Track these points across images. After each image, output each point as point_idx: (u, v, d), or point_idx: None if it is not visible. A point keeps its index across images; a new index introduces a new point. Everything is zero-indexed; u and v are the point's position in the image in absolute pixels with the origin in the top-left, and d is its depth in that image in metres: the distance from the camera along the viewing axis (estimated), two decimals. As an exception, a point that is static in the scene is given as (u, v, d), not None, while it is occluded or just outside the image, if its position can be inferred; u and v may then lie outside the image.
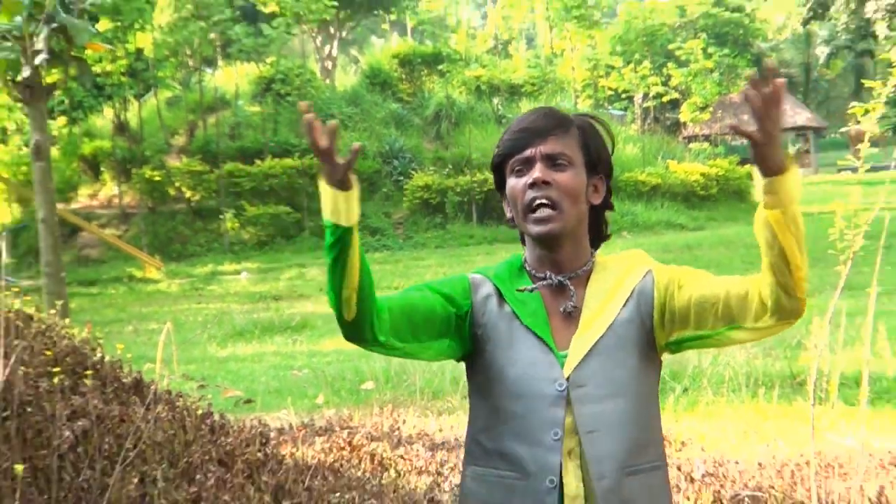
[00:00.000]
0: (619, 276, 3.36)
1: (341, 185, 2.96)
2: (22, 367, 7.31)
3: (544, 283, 3.27)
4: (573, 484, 3.11)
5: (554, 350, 3.19)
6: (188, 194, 42.07)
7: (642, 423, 3.25)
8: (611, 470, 3.11)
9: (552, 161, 3.17)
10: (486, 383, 3.31)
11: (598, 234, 3.46)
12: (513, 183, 3.24)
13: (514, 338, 3.24)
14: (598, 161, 3.34)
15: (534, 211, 3.18)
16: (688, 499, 8.42)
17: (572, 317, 3.25)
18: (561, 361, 3.17)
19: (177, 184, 41.85)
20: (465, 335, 3.32)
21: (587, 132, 3.34)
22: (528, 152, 3.21)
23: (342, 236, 3.01)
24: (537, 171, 3.18)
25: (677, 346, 3.33)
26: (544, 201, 3.16)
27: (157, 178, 41.09)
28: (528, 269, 3.37)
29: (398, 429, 10.93)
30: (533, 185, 3.17)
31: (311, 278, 34.55)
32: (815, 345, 8.80)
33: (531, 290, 3.26)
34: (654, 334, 3.27)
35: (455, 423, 11.20)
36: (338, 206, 2.98)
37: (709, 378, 13.85)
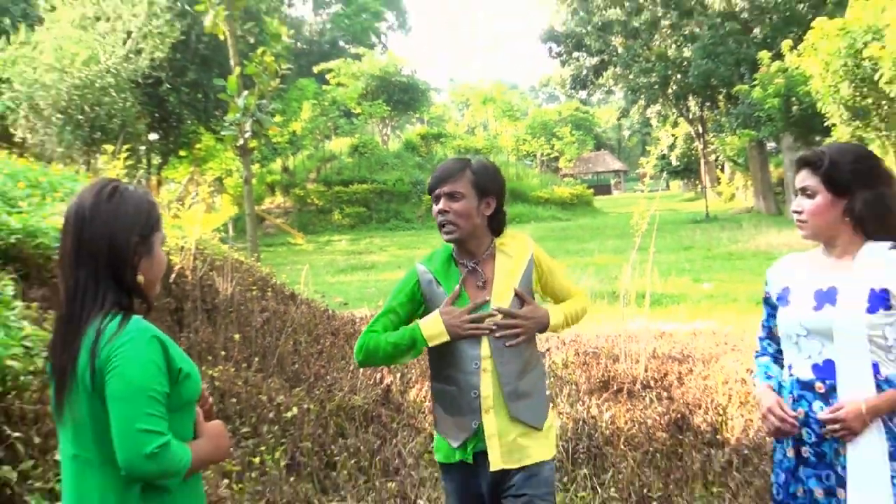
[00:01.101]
0: (514, 259, 4.61)
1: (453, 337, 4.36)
2: (238, 286, 12.19)
3: (465, 268, 4.55)
4: (488, 390, 4.40)
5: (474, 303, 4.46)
6: (317, 202, 60.71)
7: (529, 349, 4.59)
8: (512, 378, 4.45)
9: (450, 196, 4.40)
10: None
11: (497, 229, 4.63)
12: (434, 209, 4.52)
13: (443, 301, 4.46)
14: (486, 189, 4.49)
15: (441, 227, 4.47)
16: (560, 353, 12.43)
17: (484, 288, 4.51)
18: (482, 306, 4.42)
19: (311, 197, 60.83)
20: (420, 310, 4.61)
21: (478, 171, 4.52)
22: (436, 191, 4.49)
23: (420, 350, 4.48)
24: (441, 204, 4.47)
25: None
26: (445, 222, 4.44)
27: (301, 194, 60.79)
28: (454, 256, 4.63)
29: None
30: (439, 212, 4.45)
31: (376, 244, 49.28)
32: (624, 277, 13.32)
33: (450, 276, 4.59)
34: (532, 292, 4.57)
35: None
36: (438, 341, 4.38)
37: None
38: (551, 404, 4.34)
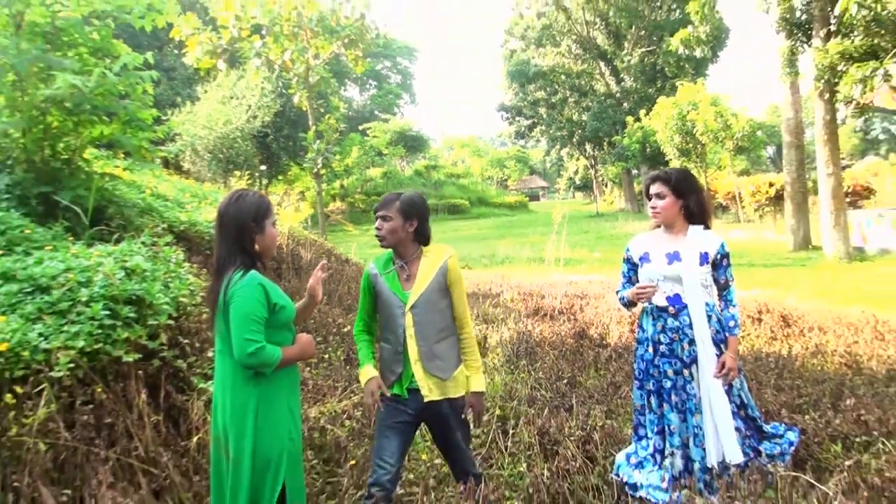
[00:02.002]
0: (432, 262, 4.21)
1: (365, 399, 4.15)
2: (313, 254, 12.12)
3: (397, 266, 4.21)
4: (413, 349, 4.11)
5: (401, 295, 4.15)
6: (361, 206, 55.13)
7: (443, 320, 4.20)
8: (427, 341, 4.13)
9: (383, 218, 4.13)
10: (380, 308, 4.24)
11: (423, 241, 4.24)
12: (376, 224, 4.21)
13: (384, 290, 4.18)
14: (409, 214, 4.13)
15: (378, 239, 4.20)
16: (509, 293, 12.33)
17: (410, 280, 4.18)
18: (403, 298, 4.14)
19: (357, 203, 55.53)
20: (373, 297, 4.27)
21: (403, 202, 4.16)
22: (378, 213, 4.18)
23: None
24: (377, 223, 4.19)
25: None
26: (379, 235, 4.18)
27: (351, 201, 56.21)
28: (393, 258, 4.26)
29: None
30: (376, 229, 4.17)
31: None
32: (547, 249, 13.88)
33: (389, 273, 4.21)
34: (444, 287, 4.16)
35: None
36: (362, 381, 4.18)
37: (511, 259, 20.17)
38: (463, 361, 4.12)
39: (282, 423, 3.67)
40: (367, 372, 4.11)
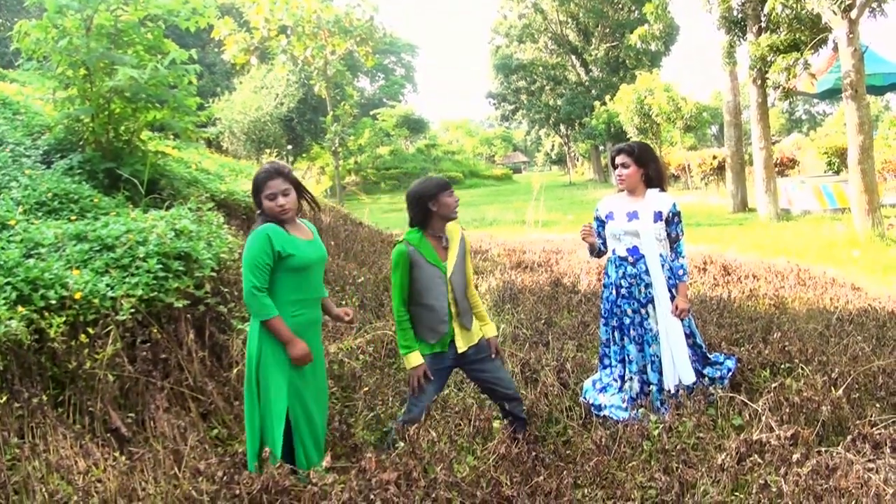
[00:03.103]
0: (454, 237, 4.10)
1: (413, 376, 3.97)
2: (332, 219, 12.05)
3: (432, 241, 4.02)
4: (453, 309, 4.03)
5: (440, 265, 4.00)
6: (373, 179, 52.97)
7: (466, 283, 4.13)
8: (461, 301, 4.07)
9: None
10: (418, 281, 3.98)
11: (447, 220, 4.03)
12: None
13: (424, 264, 3.97)
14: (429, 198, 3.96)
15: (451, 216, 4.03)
16: (496, 249, 12.20)
17: (445, 249, 4.03)
18: (443, 268, 4.00)
19: (369, 176, 53.18)
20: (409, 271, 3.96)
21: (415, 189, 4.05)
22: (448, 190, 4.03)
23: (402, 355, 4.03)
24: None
25: None
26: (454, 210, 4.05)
27: (364, 175, 53.37)
28: (424, 235, 4.01)
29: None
30: None
31: (402, 199, 40.23)
32: (528, 212, 14.07)
33: (425, 245, 3.98)
34: (465, 256, 4.11)
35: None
36: (409, 367, 3.97)
37: (498, 222, 19.56)
38: (474, 314, 4.10)
39: (282, 354, 3.59)
40: (416, 358, 3.93)
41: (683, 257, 4.67)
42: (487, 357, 4.21)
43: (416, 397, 4.01)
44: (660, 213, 4.59)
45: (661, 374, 4.58)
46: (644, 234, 4.57)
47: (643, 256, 4.60)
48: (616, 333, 4.77)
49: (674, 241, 4.66)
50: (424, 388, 4.00)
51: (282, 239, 3.58)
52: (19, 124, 8.28)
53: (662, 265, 4.58)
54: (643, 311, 4.61)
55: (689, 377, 4.50)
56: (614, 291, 4.73)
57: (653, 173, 4.68)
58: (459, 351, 4.07)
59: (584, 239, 4.79)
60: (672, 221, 4.62)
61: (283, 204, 3.61)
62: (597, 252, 4.88)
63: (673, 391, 4.49)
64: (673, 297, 4.59)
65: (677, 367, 4.51)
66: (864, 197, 11.92)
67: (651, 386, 4.58)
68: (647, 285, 4.58)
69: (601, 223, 4.86)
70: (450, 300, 4.01)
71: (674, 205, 4.62)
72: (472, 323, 4.15)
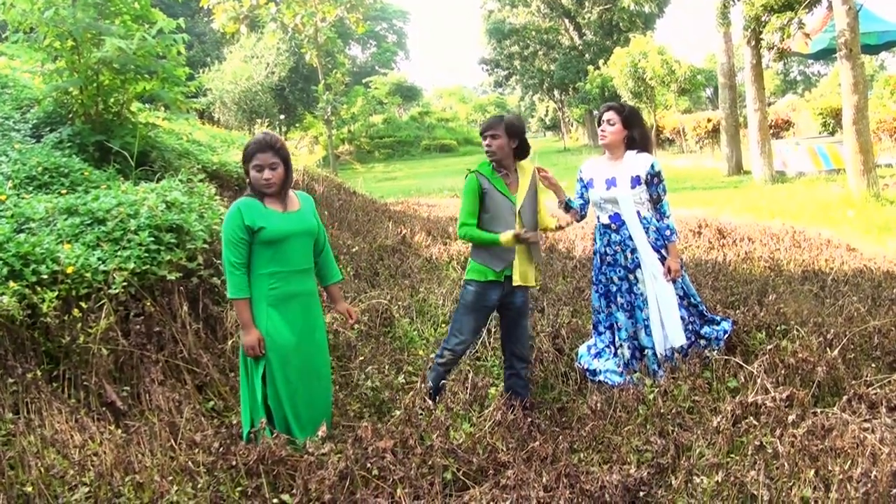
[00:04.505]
0: (526, 173, 4.21)
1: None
2: (325, 188, 11.89)
3: (502, 174, 4.15)
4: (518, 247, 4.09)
5: (510, 197, 4.11)
6: (366, 147, 51.41)
7: (536, 218, 4.20)
8: (531, 227, 4.14)
9: (492, 136, 4.16)
10: (487, 208, 4.12)
11: (522, 156, 4.23)
12: (483, 144, 4.22)
13: (495, 194, 4.09)
14: (514, 134, 4.16)
15: (489, 155, 4.18)
16: None
17: (513, 186, 4.13)
18: (513, 200, 4.10)
19: (363, 145, 51.31)
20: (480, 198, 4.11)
21: (509, 123, 4.16)
22: (484, 135, 4.20)
23: (498, 243, 4.07)
24: (486, 141, 4.17)
25: None
26: (489, 151, 4.17)
27: (358, 144, 51.46)
28: (495, 168, 4.16)
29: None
30: (487, 146, 4.17)
31: (396, 167, 40.65)
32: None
33: (497, 179, 4.12)
34: (536, 192, 4.20)
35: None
36: (505, 244, 4.06)
37: None
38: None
39: (260, 322, 3.58)
40: (507, 234, 4.02)
41: (668, 217, 4.64)
42: (527, 313, 4.34)
43: (457, 331, 4.21)
44: (637, 177, 4.56)
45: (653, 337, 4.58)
46: (623, 201, 4.56)
47: (625, 223, 4.60)
48: (602, 301, 4.80)
49: (656, 202, 4.62)
50: (467, 313, 4.19)
51: (253, 212, 3.55)
52: (8, 98, 8.19)
53: (647, 228, 4.57)
54: (631, 276, 4.60)
55: (679, 339, 4.52)
56: (600, 259, 4.76)
57: (637, 136, 4.66)
58: (514, 283, 4.16)
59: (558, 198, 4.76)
60: (652, 182, 4.58)
61: (270, 178, 3.58)
62: (568, 207, 4.82)
63: (667, 355, 4.49)
64: (663, 259, 4.57)
65: (667, 331, 4.52)
66: (859, 157, 11.89)
67: (647, 350, 4.58)
68: (633, 250, 4.57)
69: (584, 185, 4.87)
70: (519, 228, 4.10)
71: (652, 165, 4.57)
72: (536, 259, 4.26)
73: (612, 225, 4.63)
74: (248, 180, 3.68)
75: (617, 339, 4.70)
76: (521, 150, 4.22)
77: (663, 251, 4.59)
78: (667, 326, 4.52)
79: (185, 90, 7.70)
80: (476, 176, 4.14)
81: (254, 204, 3.58)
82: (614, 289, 4.68)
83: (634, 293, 4.61)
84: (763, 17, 15.28)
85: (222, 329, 5.01)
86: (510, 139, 4.13)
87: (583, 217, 4.89)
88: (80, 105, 7.16)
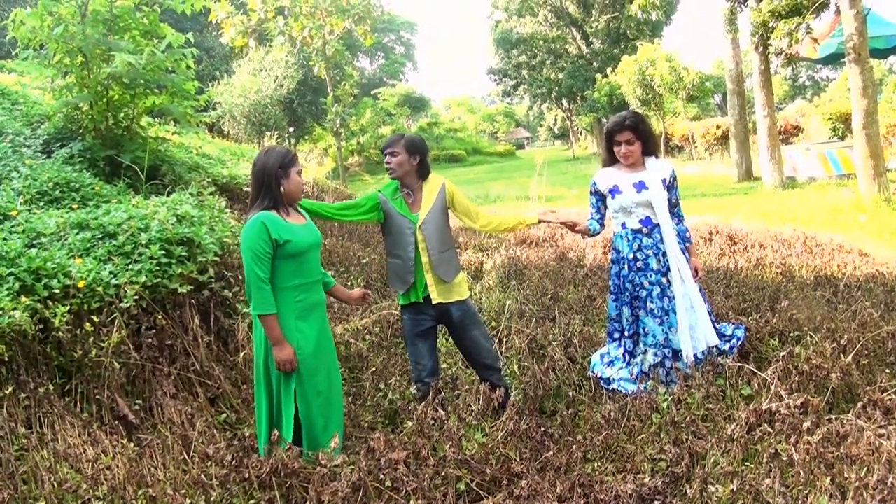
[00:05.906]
0: (432, 188, 4.21)
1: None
2: (335, 199, 11.29)
3: (404, 193, 4.17)
4: (424, 259, 4.08)
5: (410, 216, 4.11)
6: (375, 158, 48.60)
7: (445, 235, 4.19)
8: (435, 252, 4.11)
9: (391, 154, 4.12)
10: (389, 230, 4.17)
11: (425, 174, 4.21)
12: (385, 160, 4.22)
13: (394, 214, 4.12)
14: (414, 151, 4.12)
15: (389, 172, 4.19)
16: (505, 234, 11.35)
17: (415, 204, 4.14)
18: (413, 218, 4.09)
19: (371, 156, 49.17)
20: (381, 216, 4.14)
21: (409, 141, 4.13)
22: (384, 151, 4.20)
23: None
24: (387, 158, 4.17)
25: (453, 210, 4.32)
26: (389, 168, 4.16)
27: (367, 155, 50.28)
28: (399, 187, 4.19)
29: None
30: (386, 163, 4.20)
31: None
32: (532, 187, 13.74)
33: (397, 199, 4.13)
34: (448, 207, 4.24)
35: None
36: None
37: (502, 198, 19.13)
38: (462, 269, 4.30)
39: (290, 337, 3.56)
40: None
41: (684, 220, 4.73)
42: (472, 324, 4.28)
43: (414, 361, 4.20)
44: (665, 179, 4.57)
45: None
46: (658, 203, 4.52)
47: (657, 225, 4.56)
48: (626, 309, 4.69)
49: (674, 206, 4.65)
50: (412, 343, 4.19)
51: (277, 226, 3.54)
52: (18, 114, 8.26)
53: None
54: (664, 280, 4.55)
55: (713, 339, 4.55)
56: (626, 266, 4.65)
57: (652, 145, 4.67)
58: (434, 302, 4.13)
59: (575, 231, 4.73)
60: (672, 186, 4.63)
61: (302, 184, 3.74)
62: (591, 233, 4.79)
63: (701, 356, 4.47)
64: (688, 261, 4.61)
65: (703, 331, 4.53)
66: (870, 162, 11.83)
67: (682, 353, 4.52)
68: (664, 254, 4.55)
69: (600, 198, 4.78)
70: (420, 250, 4.09)
71: (672, 170, 4.65)
72: (452, 276, 4.19)
73: (644, 229, 4.58)
74: (278, 189, 3.62)
75: (641, 345, 4.64)
76: (424, 168, 4.20)
77: (686, 253, 4.62)
78: (700, 327, 4.52)
79: (195, 104, 7.75)
80: (377, 194, 4.19)
81: (275, 218, 3.57)
82: (644, 294, 4.60)
83: (668, 297, 4.55)
84: (770, 22, 15.21)
85: (234, 341, 5.03)
86: (410, 156, 4.12)
87: (602, 228, 4.83)
88: (90, 120, 7.21)
